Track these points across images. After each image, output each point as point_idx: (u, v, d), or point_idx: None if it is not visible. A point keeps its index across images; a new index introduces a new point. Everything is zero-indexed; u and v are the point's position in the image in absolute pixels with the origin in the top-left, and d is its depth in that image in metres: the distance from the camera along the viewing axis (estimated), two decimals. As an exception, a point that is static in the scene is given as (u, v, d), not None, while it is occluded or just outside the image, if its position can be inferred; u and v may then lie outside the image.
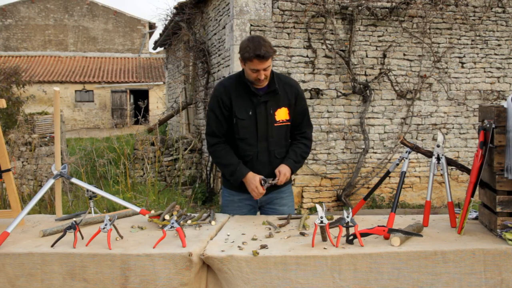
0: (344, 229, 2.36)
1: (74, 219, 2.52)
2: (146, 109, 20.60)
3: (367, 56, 7.90)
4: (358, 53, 7.85)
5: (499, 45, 8.31)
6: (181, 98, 11.64)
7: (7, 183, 2.86)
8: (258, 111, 2.96)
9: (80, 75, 25.75)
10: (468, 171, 2.77)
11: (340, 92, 7.84)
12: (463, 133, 8.29)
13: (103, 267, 2.24)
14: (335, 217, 2.71)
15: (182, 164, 9.20)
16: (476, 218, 2.73)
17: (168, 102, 15.68)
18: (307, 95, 7.54)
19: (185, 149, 9.41)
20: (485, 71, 8.31)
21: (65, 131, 14.69)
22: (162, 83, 24.41)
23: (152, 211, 2.94)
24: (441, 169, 2.67)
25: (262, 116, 2.97)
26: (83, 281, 2.25)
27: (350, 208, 2.61)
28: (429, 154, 2.75)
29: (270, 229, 2.65)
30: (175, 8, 10.36)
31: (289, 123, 3.05)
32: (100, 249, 2.29)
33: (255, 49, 2.78)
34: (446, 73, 8.16)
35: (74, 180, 2.94)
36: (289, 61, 7.64)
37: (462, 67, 8.24)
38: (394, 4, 7.79)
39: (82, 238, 2.43)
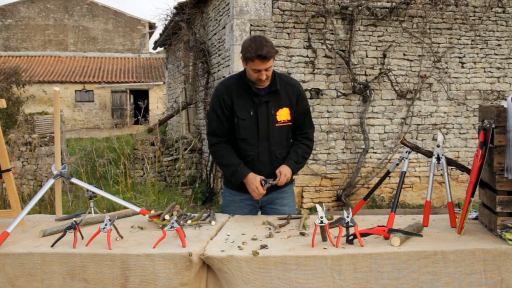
0: (344, 229, 2.36)
1: (74, 219, 2.52)
2: (146, 109, 20.60)
3: (367, 56, 7.90)
4: (358, 53, 7.85)
5: (499, 45, 8.31)
6: (181, 98, 11.64)
7: (7, 183, 2.86)
8: (259, 111, 2.96)
9: (80, 75, 25.75)
10: (468, 171, 2.77)
11: (340, 92, 7.84)
12: (463, 133, 8.29)
13: (103, 267, 2.24)
14: (335, 217, 2.71)
15: (182, 164, 9.20)
16: (476, 218, 2.73)
17: (168, 102, 15.68)
18: (307, 95, 7.53)
19: (185, 149, 9.42)
20: (485, 71, 8.31)
21: (65, 131, 14.69)
22: (162, 83, 24.41)
23: (152, 211, 2.93)
24: (441, 169, 2.67)
25: (263, 116, 2.97)
26: (83, 281, 2.25)
27: (350, 208, 2.61)
28: (429, 154, 2.75)
29: (270, 229, 2.65)
30: (175, 8, 10.36)
31: (290, 124, 3.04)
32: (100, 249, 2.29)
33: (257, 49, 2.78)
34: (446, 73, 8.16)
35: (74, 180, 2.94)
36: (289, 61, 7.64)
37: (462, 67, 8.24)
38: (394, 4, 7.79)
39: (82, 238, 2.43)
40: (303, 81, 7.64)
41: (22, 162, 8.91)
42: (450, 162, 2.78)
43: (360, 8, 7.69)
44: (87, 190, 2.94)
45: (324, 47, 7.72)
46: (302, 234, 2.51)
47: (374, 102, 7.96)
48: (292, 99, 3.01)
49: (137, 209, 2.92)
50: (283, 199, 3.14)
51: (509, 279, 2.22)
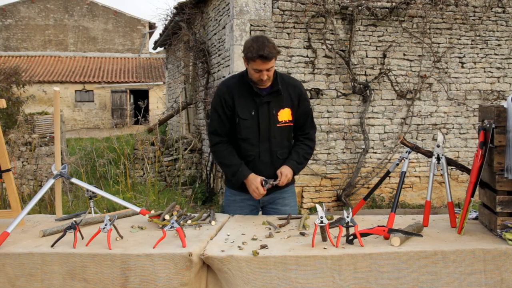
0: (344, 229, 2.36)
1: (74, 219, 2.52)
2: (146, 109, 20.60)
3: (367, 56, 7.90)
4: (358, 53, 7.85)
5: (499, 45, 8.31)
6: (181, 98, 11.64)
7: (7, 183, 2.86)
8: (261, 111, 2.96)
9: (80, 75, 25.75)
10: (468, 171, 2.77)
11: (340, 92, 7.84)
12: (463, 133, 8.29)
13: (103, 267, 2.24)
14: (335, 217, 2.71)
15: (182, 164, 9.20)
16: (476, 218, 2.73)
17: (168, 102, 15.68)
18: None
19: (185, 149, 9.42)
20: (485, 71, 8.31)
21: (65, 131, 14.69)
22: (162, 83, 24.41)
23: (152, 211, 2.93)
24: (441, 169, 2.67)
25: (264, 116, 2.96)
26: (83, 281, 2.24)
27: (350, 208, 2.61)
28: (429, 154, 2.75)
29: (270, 229, 2.65)
30: (175, 8, 10.36)
31: (291, 124, 3.04)
32: (100, 249, 2.29)
33: (259, 49, 2.77)
34: (446, 73, 8.16)
35: (74, 180, 2.94)
36: (289, 61, 7.64)
37: (462, 67, 8.24)
38: (394, 4, 7.79)
39: (82, 238, 2.43)
40: (303, 81, 7.63)
41: (22, 162, 8.92)
42: (450, 162, 2.78)
43: (360, 8, 7.69)
44: (87, 190, 2.94)
45: (324, 47, 7.72)
46: (302, 234, 2.51)
47: (374, 102, 7.96)
48: (293, 99, 3.01)
49: (137, 209, 2.92)
50: (284, 199, 3.14)
51: (509, 279, 2.22)
